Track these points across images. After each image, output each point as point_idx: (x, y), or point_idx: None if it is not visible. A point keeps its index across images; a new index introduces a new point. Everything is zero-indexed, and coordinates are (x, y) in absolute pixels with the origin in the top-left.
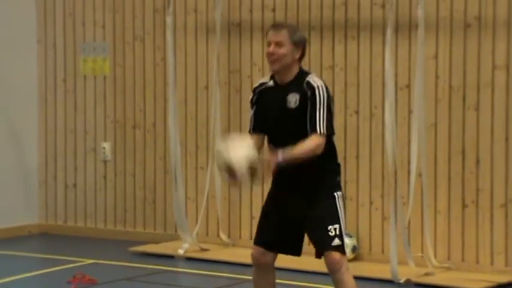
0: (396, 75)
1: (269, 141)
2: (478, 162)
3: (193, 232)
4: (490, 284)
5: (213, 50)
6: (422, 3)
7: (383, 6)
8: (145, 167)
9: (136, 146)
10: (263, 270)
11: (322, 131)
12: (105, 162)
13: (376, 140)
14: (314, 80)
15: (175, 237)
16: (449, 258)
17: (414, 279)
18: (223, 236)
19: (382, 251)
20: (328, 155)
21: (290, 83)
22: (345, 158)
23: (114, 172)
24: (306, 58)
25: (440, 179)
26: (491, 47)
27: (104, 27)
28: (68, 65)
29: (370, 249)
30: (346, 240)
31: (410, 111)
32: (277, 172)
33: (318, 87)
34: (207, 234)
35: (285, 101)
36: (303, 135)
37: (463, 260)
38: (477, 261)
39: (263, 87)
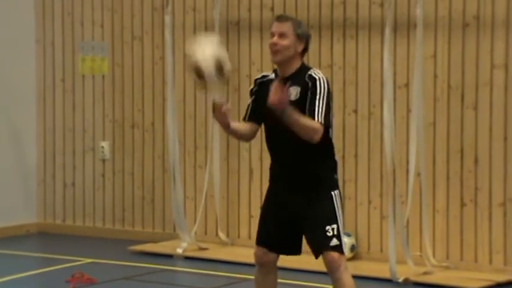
0: (395, 74)
1: (266, 135)
2: (476, 161)
3: (191, 231)
4: (489, 283)
5: None
6: (421, 2)
7: (381, 5)
8: (144, 166)
9: (134, 145)
10: (266, 269)
11: (320, 120)
12: (103, 161)
13: (374, 139)
14: (316, 72)
15: (173, 236)
16: (447, 257)
17: (413, 278)
18: (222, 235)
19: (381, 250)
20: (326, 152)
21: (291, 76)
22: (343, 157)
23: (113, 171)
24: (305, 57)
25: (438, 178)
26: (490, 46)
27: (102, 26)
28: (66, 64)
29: (368, 248)
30: (345, 239)
31: (408, 110)
32: (275, 170)
33: (319, 79)
34: (206, 233)
35: None
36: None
37: (461, 259)
38: (476, 260)
39: (264, 79)
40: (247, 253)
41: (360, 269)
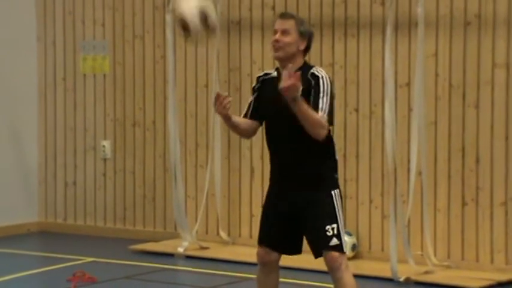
0: (396, 73)
1: (267, 134)
2: (478, 160)
3: (193, 230)
4: (490, 283)
5: (212, 48)
6: (422, 1)
7: (383, 4)
8: (145, 165)
9: (136, 144)
10: (268, 269)
11: (324, 117)
12: (104, 160)
13: (375, 138)
14: (319, 70)
15: (175, 236)
16: (449, 257)
17: (414, 277)
18: (223, 234)
19: (382, 249)
20: (326, 151)
21: None
22: (344, 156)
23: (114, 170)
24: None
25: (440, 177)
26: (491, 45)
27: (103, 25)
28: (67, 63)
29: (369, 248)
30: (346, 238)
31: (410, 109)
32: (275, 169)
33: (322, 77)
34: (207, 233)
35: None
36: (303, 127)
37: (463, 258)
38: (477, 260)
39: (267, 77)
40: (248, 252)
41: (361, 268)
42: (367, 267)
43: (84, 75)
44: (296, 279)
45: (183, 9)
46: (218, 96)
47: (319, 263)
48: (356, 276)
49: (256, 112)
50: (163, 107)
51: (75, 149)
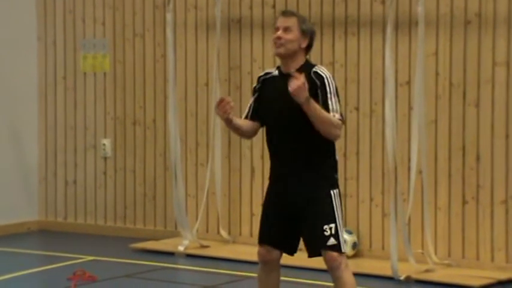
0: (396, 71)
1: (267, 133)
2: (478, 158)
3: (193, 229)
4: (491, 281)
5: (213, 46)
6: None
7: (383, 2)
8: (146, 164)
9: (136, 142)
10: (269, 267)
11: (337, 117)
12: (105, 158)
13: (376, 137)
14: (322, 69)
15: (175, 234)
16: (449, 255)
17: (414, 275)
18: (224, 233)
19: (383, 248)
20: (327, 151)
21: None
22: (345, 154)
23: (114, 169)
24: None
25: (440, 175)
26: (492, 43)
27: (104, 24)
28: (67, 62)
29: (370, 246)
30: (347, 236)
31: (410, 108)
32: (275, 169)
33: (327, 77)
34: (207, 231)
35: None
36: (305, 126)
37: (463, 256)
38: (477, 258)
39: (268, 76)
40: (248, 251)
41: (362, 267)
42: (368, 265)
43: (85, 73)
44: (297, 278)
45: None
46: (221, 101)
47: (320, 262)
48: (356, 274)
49: (256, 113)
50: (163, 106)
51: (76, 147)
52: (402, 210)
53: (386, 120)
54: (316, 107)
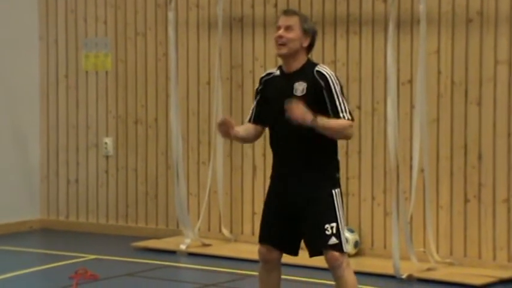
0: (398, 70)
1: (270, 133)
2: (480, 157)
3: (195, 227)
4: (492, 279)
5: (215, 45)
6: None
7: (385, 1)
8: (147, 162)
9: (138, 141)
10: (269, 266)
11: (347, 117)
12: (107, 157)
13: (378, 135)
14: (325, 69)
15: (177, 233)
16: (451, 254)
17: (416, 274)
18: (225, 232)
19: (384, 246)
20: (328, 151)
21: (297, 72)
22: (346, 153)
23: (116, 167)
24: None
25: (442, 174)
26: (494, 42)
27: (105, 22)
28: (69, 60)
29: (372, 245)
30: (348, 235)
31: (412, 107)
32: (277, 168)
33: (330, 76)
34: (209, 230)
35: (291, 89)
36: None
37: (465, 255)
38: (479, 257)
39: (269, 76)
40: (250, 249)
41: (364, 265)
42: (370, 264)
43: (87, 72)
44: (298, 277)
45: None
46: (222, 123)
47: (321, 261)
48: (358, 273)
49: (258, 117)
50: (165, 104)
51: (78, 146)
52: (404, 208)
53: (388, 119)
54: (324, 123)
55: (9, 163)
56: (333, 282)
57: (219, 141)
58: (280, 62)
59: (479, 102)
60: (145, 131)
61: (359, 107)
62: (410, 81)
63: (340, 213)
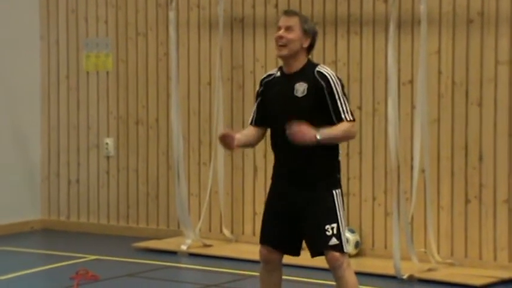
0: (399, 70)
1: (271, 134)
2: (481, 157)
3: (196, 228)
4: (493, 280)
5: (215, 45)
6: None
7: (386, 1)
8: (148, 163)
9: (139, 141)
10: (270, 267)
11: (348, 118)
12: (108, 158)
13: (379, 136)
14: (325, 69)
15: (178, 233)
16: (452, 254)
17: (417, 274)
18: (226, 232)
19: (385, 247)
20: (329, 152)
21: (298, 73)
22: (347, 153)
23: (117, 168)
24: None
25: (443, 174)
26: (494, 42)
27: (106, 22)
28: (70, 61)
29: (373, 245)
30: (349, 235)
31: (413, 107)
32: (278, 169)
33: (330, 76)
34: (210, 230)
35: (292, 89)
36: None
37: (466, 255)
38: (480, 257)
39: (270, 78)
40: (251, 250)
41: (364, 266)
42: (370, 264)
43: (87, 72)
44: (299, 277)
45: None
46: (224, 137)
47: (322, 261)
48: (359, 273)
49: (260, 119)
50: (166, 105)
51: (78, 146)
52: (405, 209)
53: (389, 119)
54: (328, 136)
55: (10, 163)
56: (333, 283)
57: None
58: (281, 62)
59: (480, 103)
60: (146, 131)
61: (360, 107)
62: (411, 82)
63: (341, 213)
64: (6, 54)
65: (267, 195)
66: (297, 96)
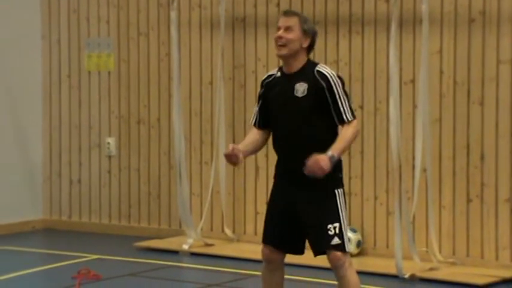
0: (401, 70)
1: (273, 134)
2: (482, 157)
3: (197, 227)
4: (495, 279)
5: (217, 45)
6: None
7: (387, 0)
8: (150, 162)
9: (140, 141)
10: (273, 266)
11: (349, 118)
12: (109, 157)
13: (380, 135)
14: (325, 68)
15: (179, 233)
16: (454, 253)
17: (419, 274)
18: (228, 231)
19: (387, 246)
20: None
21: (298, 73)
22: (349, 153)
23: (119, 167)
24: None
25: (444, 174)
26: (496, 41)
27: (108, 22)
28: (72, 60)
29: (374, 244)
30: (351, 235)
31: (414, 106)
32: (280, 169)
33: (331, 76)
34: (212, 230)
35: (292, 89)
36: (308, 126)
37: (467, 255)
38: (482, 256)
39: (270, 78)
40: (253, 249)
41: (366, 265)
42: (372, 263)
43: (89, 72)
44: (301, 277)
45: None
46: (229, 155)
47: (324, 261)
48: (361, 273)
49: (263, 121)
50: (168, 104)
51: (80, 146)
52: (406, 208)
53: (390, 119)
54: (339, 151)
55: (12, 163)
56: (335, 282)
57: (222, 141)
58: (281, 63)
59: (481, 102)
60: (148, 131)
61: (361, 107)
62: (413, 81)
63: (343, 213)
64: (8, 53)
65: (269, 194)
66: (297, 97)
